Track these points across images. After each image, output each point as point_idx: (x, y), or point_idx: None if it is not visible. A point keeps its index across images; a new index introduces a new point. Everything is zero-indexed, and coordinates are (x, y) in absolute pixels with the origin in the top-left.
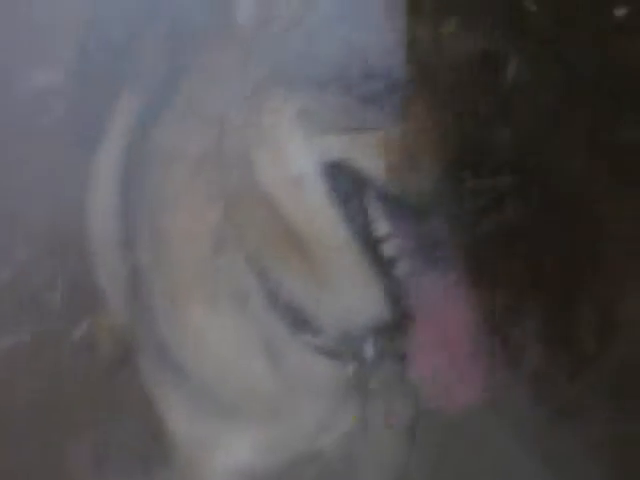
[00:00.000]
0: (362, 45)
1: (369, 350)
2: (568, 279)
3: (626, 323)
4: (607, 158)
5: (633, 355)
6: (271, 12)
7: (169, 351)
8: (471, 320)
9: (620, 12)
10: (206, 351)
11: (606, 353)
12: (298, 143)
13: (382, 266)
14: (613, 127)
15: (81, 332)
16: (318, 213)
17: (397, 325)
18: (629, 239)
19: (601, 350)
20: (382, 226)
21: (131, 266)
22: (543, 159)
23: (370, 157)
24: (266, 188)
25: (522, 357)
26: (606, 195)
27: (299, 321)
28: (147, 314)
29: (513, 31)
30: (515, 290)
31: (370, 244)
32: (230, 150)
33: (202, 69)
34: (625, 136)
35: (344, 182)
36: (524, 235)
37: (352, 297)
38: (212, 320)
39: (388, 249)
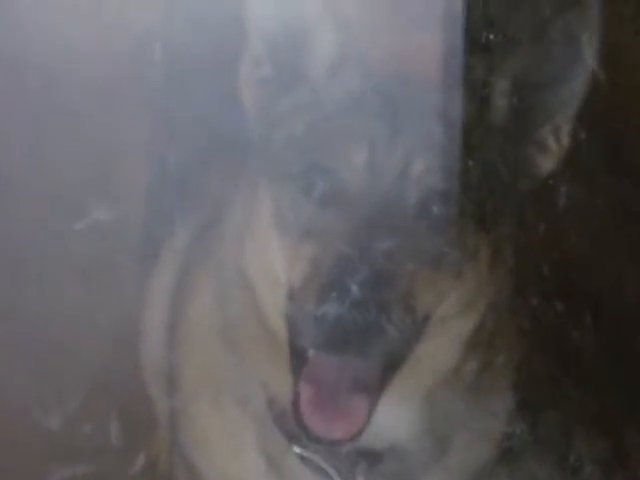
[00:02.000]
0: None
1: (360, 476)
2: (620, 400)
3: None
4: None
5: None
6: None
7: (187, 456)
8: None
9: None
10: (210, 453)
11: None
12: (274, 243)
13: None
14: None
15: (139, 466)
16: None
17: (381, 455)
18: None
19: None
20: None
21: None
22: (595, 281)
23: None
24: (251, 282)
25: (578, 478)
26: None
27: (290, 430)
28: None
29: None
30: (569, 411)
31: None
32: (228, 246)
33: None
34: None
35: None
36: (578, 356)
37: None
38: (215, 419)
39: None
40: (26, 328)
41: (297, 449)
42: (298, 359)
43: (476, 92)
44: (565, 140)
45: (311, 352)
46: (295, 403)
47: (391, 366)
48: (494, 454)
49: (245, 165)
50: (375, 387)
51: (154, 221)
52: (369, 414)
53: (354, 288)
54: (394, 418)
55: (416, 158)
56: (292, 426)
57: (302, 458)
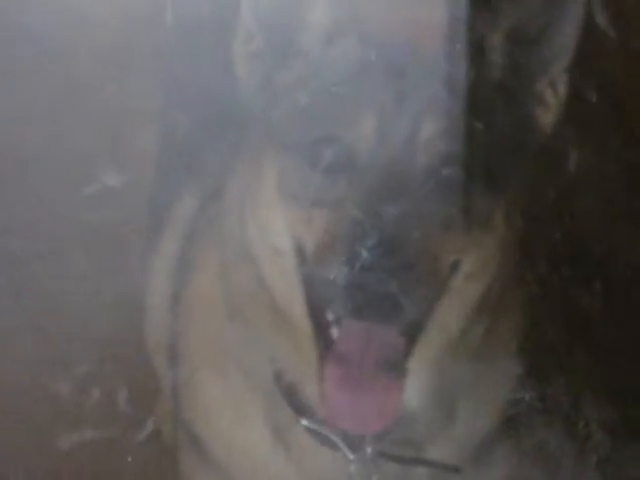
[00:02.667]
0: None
1: (368, 446)
2: (629, 366)
3: None
4: None
5: None
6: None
7: (190, 427)
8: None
9: None
10: (214, 424)
11: None
12: (278, 214)
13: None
14: None
15: (146, 432)
16: (293, 287)
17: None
18: None
19: None
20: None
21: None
22: (604, 247)
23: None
24: (254, 254)
25: (587, 445)
26: None
27: (298, 403)
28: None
29: (574, 121)
30: (577, 378)
31: (322, 327)
32: (231, 218)
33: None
34: None
35: (304, 261)
36: (587, 322)
37: None
38: (219, 389)
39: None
40: (36, 296)
41: (305, 422)
42: (323, 339)
43: (476, 50)
44: (562, 91)
45: (335, 331)
46: (321, 389)
47: (414, 333)
48: (501, 421)
49: (249, 136)
50: (401, 366)
51: (161, 190)
52: (400, 400)
53: (378, 248)
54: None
55: (424, 122)
56: (300, 399)
57: (310, 430)
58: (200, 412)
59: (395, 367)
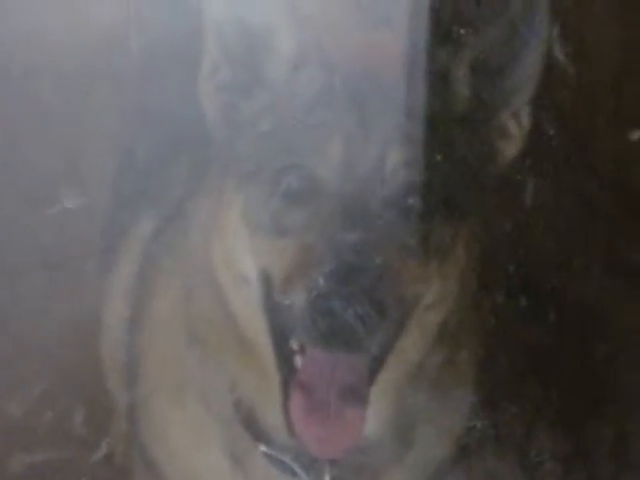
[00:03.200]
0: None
1: (326, 474)
2: (583, 395)
3: None
4: (623, 277)
5: None
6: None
7: (146, 450)
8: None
9: (635, 136)
10: (170, 448)
11: (622, 471)
12: (243, 243)
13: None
14: (630, 246)
15: (100, 454)
16: (258, 315)
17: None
18: None
19: (617, 468)
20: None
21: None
22: (559, 279)
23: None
24: (219, 281)
25: (539, 475)
26: (622, 312)
27: (257, 430)
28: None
29: (532, 154)
30: (530, 407)
31: (286, 355)
32: (195, 244)
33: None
34: None
35: (270, 290)
36: (541, 353)
37: None
38: (177, 414)
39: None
40: None
41: (263, 448)
42: (286, 368)
43: (441, 83)
44: (525, 122)
45: (298, 359)
46: (287, 417)
47: (377, 363)
48: (455, 450)
49: (210, 160)
50: (364, 395)
51: (118, 212)
52: (363, 425)
53: (336, 276)
54: None
55: (390, 151)
56: (259, 425)
57: (268, 456)
58: (157, 436)
59: (358, 395)
